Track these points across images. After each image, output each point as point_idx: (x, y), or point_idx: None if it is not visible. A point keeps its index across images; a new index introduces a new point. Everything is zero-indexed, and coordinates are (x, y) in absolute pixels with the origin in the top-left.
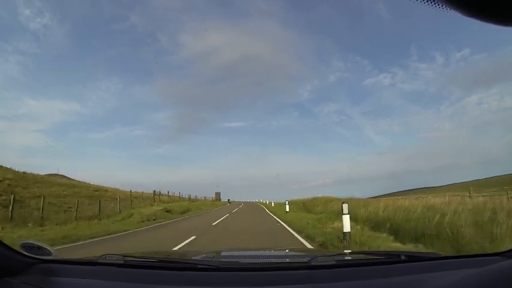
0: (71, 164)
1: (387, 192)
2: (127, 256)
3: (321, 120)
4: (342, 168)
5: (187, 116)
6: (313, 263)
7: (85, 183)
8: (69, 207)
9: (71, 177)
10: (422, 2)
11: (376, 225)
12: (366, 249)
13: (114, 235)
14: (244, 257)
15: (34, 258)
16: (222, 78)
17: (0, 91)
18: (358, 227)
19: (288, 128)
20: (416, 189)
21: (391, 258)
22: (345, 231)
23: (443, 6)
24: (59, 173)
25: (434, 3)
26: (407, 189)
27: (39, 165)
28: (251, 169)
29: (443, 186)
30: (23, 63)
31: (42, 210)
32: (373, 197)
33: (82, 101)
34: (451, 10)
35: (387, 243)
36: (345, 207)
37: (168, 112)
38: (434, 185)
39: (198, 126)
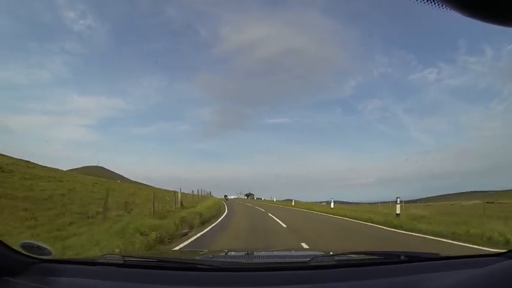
0: (114, 157)
1: (435, 195)
2: (127, 256)
3: (364, 117)
4: (385, 167)
5: (230, 111)
6: (313, 263)
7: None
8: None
9: (111, 170)
10: (423, 2)
11: None
12: None
13: None
14: (244, 257)
15: (34, 257)
16: (265, 73)
17: (49, 88)
18: None
19: (330, 125)
20: (466, 193)
21: (392, 259)
22: None
23: (443, 6)
24: (99, 165)
25: (435, 3)
26: (455, 192)
27: (84, 157)
28: (290, 166)
29: (497, 191)
30: (70, 62)
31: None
32: (416, 200)
33: (126, 97)
34: (451, 10)
35: None
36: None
37: (211, 107)
38: (486, 189)
39: (241, 121)
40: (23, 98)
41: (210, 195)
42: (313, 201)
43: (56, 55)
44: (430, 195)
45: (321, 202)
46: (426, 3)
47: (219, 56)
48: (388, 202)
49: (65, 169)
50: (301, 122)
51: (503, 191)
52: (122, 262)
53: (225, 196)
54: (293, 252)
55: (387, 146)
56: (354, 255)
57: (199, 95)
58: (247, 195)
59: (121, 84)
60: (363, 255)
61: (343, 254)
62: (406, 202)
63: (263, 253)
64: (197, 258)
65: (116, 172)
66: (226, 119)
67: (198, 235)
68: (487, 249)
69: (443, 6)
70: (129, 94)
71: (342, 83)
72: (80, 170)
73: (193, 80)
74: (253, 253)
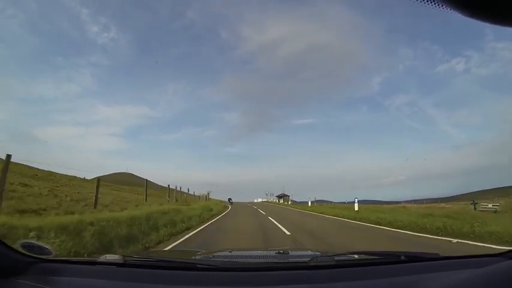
0: (142, 163)
1: (468, 192)
2: (127, 256)
3: (392, 113)
4: (415, 164)
5: (256, 113)
6: (313, 263)
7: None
8: None
9: (138, 175)
10: (423, 2)
11: None
12: None
13: None
14: (244, 257)
15: (34, 257)
16: (289, 72)
17: (77, 100)
18: None
19: (357, 123)
20: (501, 188)
21: (391, 259)
22: None
23: (443, 6)
24: (127, 171)
25: (435, 3)
26: (490, 188)
27: (114, 164)
28: (318, 166)
29: None
30: (96, 74)
31: None
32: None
33: (152, 105)
34: (451, 10)
35: None
36: None
37: (237, 111)
38: None
39: (268, 123)
40: (53, 111)
41: (203, 198)
42: (341, 201)
43: (83, 68)
44: (466, 192)
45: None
46: (426, 3)
47: (242, 57)
48: (422, 200)
49: (89, 177)
50: (327, 122)
51: None
52: (122, 262)
53: (229, 200)
54: (293, 252)
55: (416, 142)
56: (354, 255)
57: (225, 99)
58: (280, 196)
59: (146, 93)
60: (362, 255)
61: (343, 254)
62: (432, 201)
63: (263, 253)
64: (197, 258)
65: (143, 177)
66: (252, 121)
67: None
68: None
69: (443, 6)
70: (155, 102)
71: (367, 80)
72: (109, 176)
73: (218, 84)
74: (253, 253)
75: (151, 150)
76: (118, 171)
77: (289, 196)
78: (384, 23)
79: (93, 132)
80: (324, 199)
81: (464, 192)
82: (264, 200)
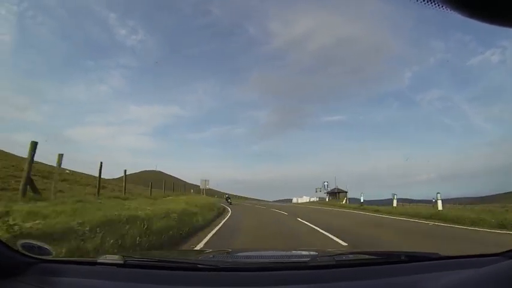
0: (171, 162)
1: (502, 192)
2: (127, 256)
3: (424, 109)
4: (448, 161)
5: (285, 110)
6: (313, 263)
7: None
8: None
9: (168, 173)
10: (423, 2)
11: None
12: None
13: None
14: (244, 257)
15: (34, 257)
16: (319, 67)
17: (109, 101)
18: None
19: (388, 120)
20: None
21: (391, 259)
22: None
23: (443, 6)
24: (157, 170)
25: (435, 3)
26: None
27: (144, 163)
28: (349, 164)
29: None
30: (125, 75)
31: None
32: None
33: (181, 104)
34: (451, 10)
35: None
36: None
37: (266, 108)
38: None
39: (297, 120)
40: (85, 112)
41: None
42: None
43: (113, 70)
44: (499, 192)
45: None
46: (426, 3)
47: (270, 53)
48: (454, 199)
49: (118, 175)
50: (357, 119)
51: None
52: (122, 262)
53: (227, 199)
54: (293, 252)
55: (450, 138)
56: (354, 255)
57: (253, 97)
58: (334, 192)
59: (175, 92)
60: (362, 255)
61: (343, 254)
62: (470, 200)
63: (263, 253)
64: (197, 258)
65: (173, 176)
66: (282, 119)
67: None
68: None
69: (443, 6)
70: (184, 101)
71: (397, 74)
72: (138, 174)
73: (246, 82)
74: (253, 253)
75: (180, 148)
76: (147, 169)
77: (346, 192)
78: (414, 14)
79: (124, 132)
80: (356, 197)
81: (497, 193)
82: (313, 199)
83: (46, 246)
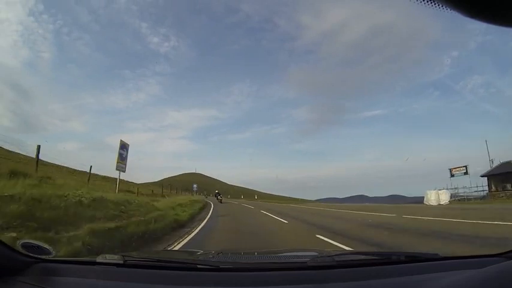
0: (211, 163)
1: None
2: (127, 256)
3: (466, 97)
4: (495, 152)
5: (323, 107)
6: (313, 264)
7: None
8: None
9: (207, 175)
10: (423, 1)
11: None
12: None
13: None
14: (244, 257)
15: (34, 257)
16: (355, 59)
17: (148, 108)
18: None
19: (429, 111)
20: None
21: (392, 259)
22: None
23: (443, 6)
24: (196, 172)
25: (435, 3)
26: None
27: (184, 165)
28: (390, 159)
29: None
30: (162, 82)
31: None
32: None
33: (219, 106)
34: (451, 10)
35: None
36: None
37: (304, 105)
38: None
39: (336, 116)
40: (125, 120)
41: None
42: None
43: (149, 78)
44: None
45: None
46: (426, 3)
47: (304, 47)
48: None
49: (158, 179)
50: (397, 112)
51: None
52: (121, 262)
53: (217, 196)
54: (293, 253)
55: (496, 127)
56: (354, 256)
57: (291, 94)
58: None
59: (213, 95)
60: (362, 256)
61: (343, 254)
62: None
63: (263, 253)
64: (197, 258)
65: (212, 177)
66: (321, 116)
67: None
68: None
69: (443, 6)
70: (222, 103)
71: (435, 61)
72: (179, 177)
73: (282, 79)
74: (253, 253)
75: (220, 150)
76: (187, 172)
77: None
78: None
79: (164, 137)
80: (399, 194)
81: None
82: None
83: (46, 245)
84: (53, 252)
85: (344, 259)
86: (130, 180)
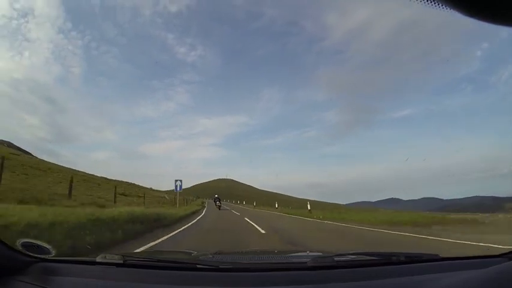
0: (243, 169)
1: None
2: (127, 256)
3: (500, 90)
4: None
5: (354, 108)
6: (313, 264)
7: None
8: None
9: (239, 181)
10: (423, 1)
11: None
12: None
13: None
14: (244, 257)
15: (34, 257)
16: (383, 57)
17: (178, 117)
18: None
19: (463, 107)
20: None
21: (392, 260)
22: None
23: (443, 6)
24: (227, 178)
25: (435, 3)
26: None
27: (215, 172)
28: (423, 160)
29: None
30: (190, 90)
31: None
32: None
33: (248, 112)
34: (451, 10)
35: None
36: None
37: (334, 108)
38: None
39: (367, 117)
40: (156, 129)
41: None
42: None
43: (178, 87)
44: None
45: None
46: (426, 2)
47: (331, 48)
48: None
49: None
50: (428, 110)
51: None
52: (121, 262)
53: (216, 202)
54: (293, 253)
55: None
56: (354, 256)
57: (320, 97)
58: None
59: (242, 102)
60: (362, 256)
61: (343, 254)
62: None
63: (263, 253)
64: (197, 258)
65: (243, 183)
66: (352, 117)
67: None
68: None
69: (443, 6)
70: (252, 109)
71: (466, 55)
72: (210, 183)
73: (310, 82)
74: (253, 253)
75: (251, 156)
76: (219, 178)
77: None
78: None
79: (195, 144)
80: (434, 196)
81: None
82: None
83: (46, 245)
84: (53, 251)
85: (344, 259)
86: (156, 188)
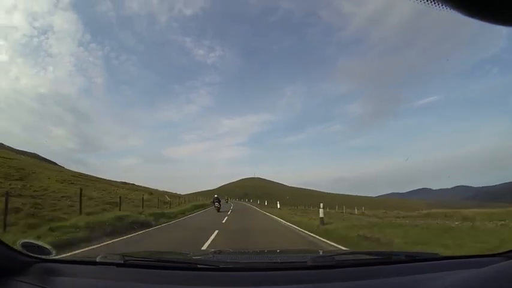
0: (271, 167)
1: None
2: (127, 256)
3: None
4: None
5: (377, 97)
6: (312, 263)
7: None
8: None
9: (267, 179)
10: (423, 1)
11: None
12: None
13: None
14: (244, 257)
15: (34, 257)
16: (403, 42)
17: (201, 119)
18: None
19: (490, 90)
20: None
21: (391, 259)
22: None
23: (444, 6)
24: (255, 176)
25: (435, 3)
26: None
27: (243, 171)
28: (450, 149)
29: None
30: (212, 92)
31: None
32: None
33: (272, 110)
34: (451, 10)
35: None
36: None
37: (358, 99)
38: None
39: (391, 107)
40: (180, 132)
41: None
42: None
43: (199, 89)
44: None
45: None
46: (426, 2)
47: (351, 37)
48: None
49: (215, 186)
50: (451, 96)
51: None
52: (122, 262)
53: (215, 203)
54: (293, 253)
55: None
56: (354, 255)
57: (343, 89)
58: None
59: (264, 99)
60: (362, 255)
61: (343, 254)
62: None
63: (263, 253)
64: (197, 258)
65: (272, 180)
66: (374, 108)
67: None
68: None
69: (444, 6)
70: (275, 106)
71: (490, 34)
72: (238, 182)
73: (332, 74)
74: (253, 253)
75: (277, 153)
76: (247, 177)
77: None
78: None
79: (220, 145)
80: (466, 184)
81: None
82: None
83: (46, 245)
84: (53, 252)
85: (344, 259)
86: (175, 192)
